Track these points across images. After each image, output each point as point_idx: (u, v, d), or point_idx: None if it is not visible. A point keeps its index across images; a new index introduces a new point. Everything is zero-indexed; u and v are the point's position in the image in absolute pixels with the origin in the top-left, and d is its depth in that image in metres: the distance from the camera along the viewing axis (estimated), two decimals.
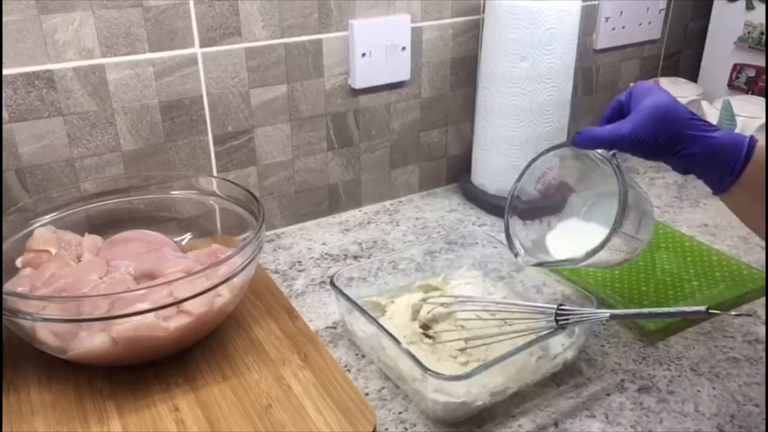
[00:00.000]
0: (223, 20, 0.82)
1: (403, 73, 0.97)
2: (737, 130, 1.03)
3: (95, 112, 0.79)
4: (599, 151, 0.64)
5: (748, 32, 1.15)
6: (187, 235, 0.83)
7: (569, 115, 1.00)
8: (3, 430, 0.59)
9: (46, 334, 0.61)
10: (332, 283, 0.71)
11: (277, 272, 0.87)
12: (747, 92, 1.16)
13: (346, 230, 0.97)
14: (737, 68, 1.18)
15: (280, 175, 0.94)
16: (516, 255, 0.69)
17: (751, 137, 0.60)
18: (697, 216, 1.00)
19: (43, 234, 0.72)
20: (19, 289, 0.66)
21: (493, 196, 1.02)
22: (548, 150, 0.68)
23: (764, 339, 0.74)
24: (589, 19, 1.11)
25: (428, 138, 1.05)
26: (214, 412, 0.61)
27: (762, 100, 1.08)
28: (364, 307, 0.68)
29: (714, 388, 0.67)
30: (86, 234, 0.76)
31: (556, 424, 0.62)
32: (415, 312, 0.72)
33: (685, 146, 0.60)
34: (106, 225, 0.78)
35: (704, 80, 1.24)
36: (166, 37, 0.80)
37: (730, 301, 0.79)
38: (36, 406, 0.62)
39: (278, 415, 0.61)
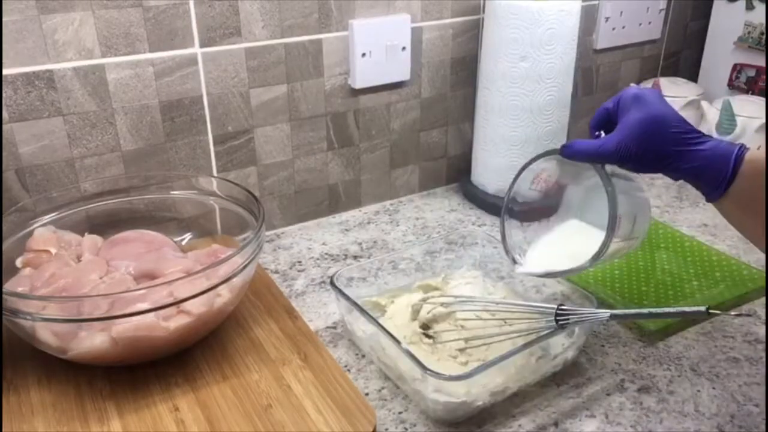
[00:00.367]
0: (223, 20, 0.82)
1: (403, 73, 0.97)
2: (737, 130, 1.03)
3: (95, 112, 0.79)
4: None
5: (748, 32, 1.15)
6: (187, 235, 0.83)
7: (569, 115, 1.00)
8: (3, 430, 0.59)
9: (46, 334, 0.61)
10: (332, 283, 0.71)
11: (277, 272, 0.87)
12: (747, 92, 1.16)
13: (346, 230, 0.97)
14: (737, 68, 1.18)
15: (280, 175, 0.94)
16: (514, 262, 0.70)
17: (740, 148, 0.59)
18: (697, 216, 1.00)
19: (43, 234, 0.72)
20: (19, 289, 0.66)
21: (493, 196, 1.02)
22: (539, 156, 0.69)
23: (764, 339, 0.74)
24: (589, 19, 1.11)
25: (428, 138, 1.05)
26: (214, 412, 0.61)
27: (762, 100, 1.07)
28: (364, 307, 0.68)
29: (714, 388, 0.67)
30: (86, 234, 0.76)
31: (556, 424, 0.62)
32: (415, 312, 0.72)
33: (671, 161, 0.60)
34: (106, 225, 0.78)
35: (704, 80, 1.24)
36: (166, 37, 0.80)
37: (730, 301, 0.79)
38: (36, 406, 0.62)
39: (278, 415, 0.61)
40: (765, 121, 1.02)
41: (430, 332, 0.70)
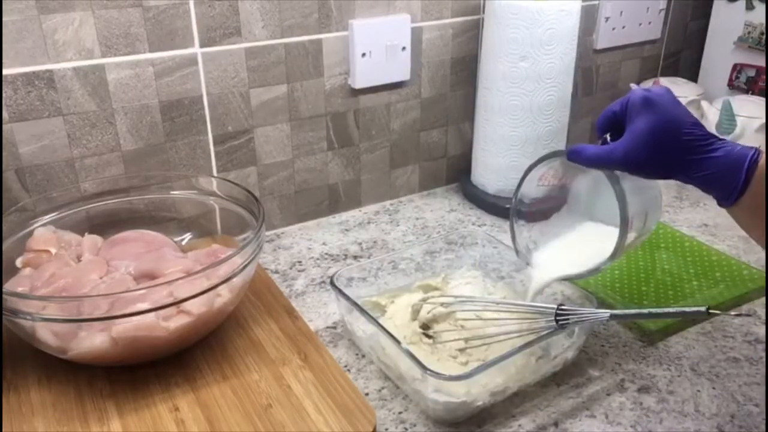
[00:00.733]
0: (223, 20, 0.82)
1: (403, 73, 0.97)
2: (737, 130, 1.03)
3: (95, 112, 0.79)
4: None
5: (748, 32, 1.15)
6: (187, 235, 0.83)
7: (569, 115, 1.00)
8: (3, 430, 0.59)
9: (46, 334, 0.61)
10: (332, 283, 0.71)
11: (277, 272, 0.87)
12: (747, 92, 1.16)
13: (346, 230, 0.97)
14: (737, 68, 1.18)
15: (280, 175, 0.94)
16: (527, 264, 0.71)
17: (755, 153, 0.56)
18: (697, 216, 1.00)
19: (43, 234, 0.72)
20: (19, 289, 0.66)
21: (493, 196, 1.02)
22: (544, 158, 0.68)
23: (764, 339, 0.74)
24: (589, 19, 1.11)
25: (428, 138, 1.05)
26: (214, 412, 0.61)
27: (762, 100, 1.07)
28: (364, 307, 0.68)
29: (714, 388, 0.67)
30: (86, 234, 0.76)
31: (556, 424, 0.62)
32: (415, 312, 0.72)
33: (682, 170, 0.58)
34: (106, 225, 0.78)
35: (704, 80, 1.24)
36: (166, 37, 0.80)
37: (730, 301, 0.79)
38: (36, 406, 0.62)
39: (278, 415, 0.61)
40: (765, 121, 1.02)
41: (430, 332, 0.70)
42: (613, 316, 0.63)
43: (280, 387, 0.64)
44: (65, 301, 0.61)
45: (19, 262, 0.71)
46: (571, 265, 0.69)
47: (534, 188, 0.71)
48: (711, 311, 0.57)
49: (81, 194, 0.78)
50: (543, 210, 0.73)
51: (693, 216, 1.00)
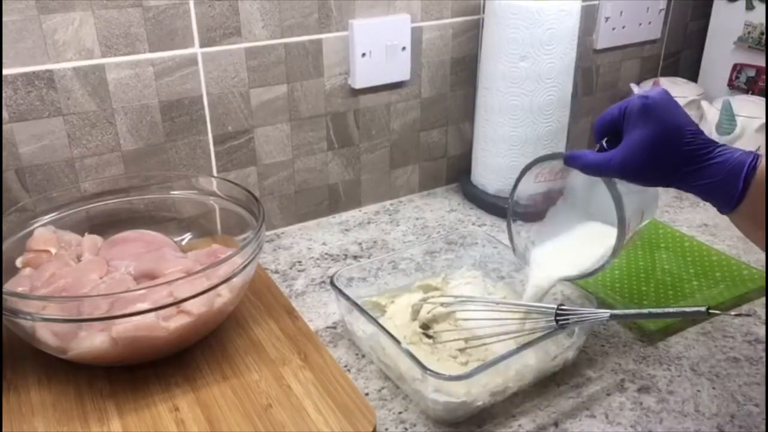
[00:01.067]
0: (223, 20, 0.82)
1: (403, 73, 0.97)
2: (737, 130, 1.03)
3: (95, 112, 0.79)
4: None
5: (748, 32, 1.15)
6: (187, 235, 0.83)
7: (569, 115, 1.00)
8: (3, 430, 0.59)
9: (46, 334, 0.61)
10: (332, 283, 0.71)
11: (277, 272, 0.87)
12: (747, 92, 1.16)
13: (346, 230, 0.97)
14: (737, 68, 1.18)
15: (280, 175, 0.94)
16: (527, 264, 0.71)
17: (753, 159, 0.55)
18: (697, 216, 1.00)
19: (43, 234, 0.72)
20: (19, 289, 0.66)
21: (493, 196, 1.02)
22: (541, 159, 0.68)
23: (764, 339, 0.74)
24: (589, 19, 1.11)
25: (428, 138, 1.05)
26: (214, 412, 0.61)
27: (762, 100, 1.07)
28: (364, 307, 0.68)
29: (714, 388, 0.67)
30: (86, 234, 0.76)
31: (556, 424, 0.62)
32: (415, 312, 0.72)
33: (679, 179, 0.58)
34: (106, 225, 0.78)
35: (704, 80, 1.24)
36: (166, 37, 0.80)
37: (730, 301, 0.79)
38: (36, 406, 0.62)
39: (278, 415, 0.61)
40: (765, 121, 1.02)
41: (430, 332, 0.70)
42: (613, 316, 0.63)
43: (280, 387, 0.64)
44: (65, 301, 0.61)
45: (19, 262, 0.71)
46: (569, 267, 0.69)
47: (530, 188, 0.71)
48: (711, 311, 0.57)
49: (81, 194, 0.78)
50: (540, 209, 0.73)
51: (693, 216, 1.00)
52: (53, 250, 0.71)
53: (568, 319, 0.63)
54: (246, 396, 0.63)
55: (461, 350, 0.67)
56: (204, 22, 0.81)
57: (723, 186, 0.56)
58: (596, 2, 1.11)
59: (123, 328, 0.60)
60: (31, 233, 0.73)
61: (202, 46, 0.82)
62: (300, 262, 0.89)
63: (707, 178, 0.56)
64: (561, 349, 0.67)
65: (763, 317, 0.77)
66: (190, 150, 0.87)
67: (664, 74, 1.27)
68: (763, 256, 0.89)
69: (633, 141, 0.58)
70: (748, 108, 1.05)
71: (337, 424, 0.59)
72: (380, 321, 0.67)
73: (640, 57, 1.23)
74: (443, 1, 0.97)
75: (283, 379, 0.65)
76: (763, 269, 0.84)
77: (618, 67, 1.21)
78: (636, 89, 1.15)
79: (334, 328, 0.76)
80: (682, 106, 0.59)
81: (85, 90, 0.78)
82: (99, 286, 0.66)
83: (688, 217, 1.00)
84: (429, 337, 0.69)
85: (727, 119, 1.04)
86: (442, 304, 0.71)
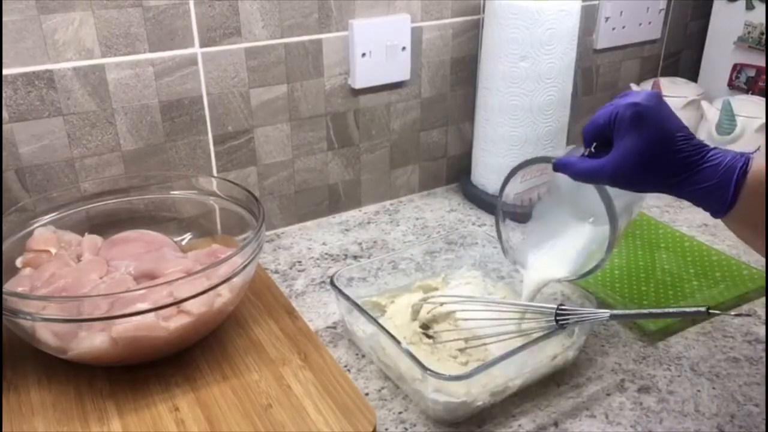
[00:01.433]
0: (223, 20, 0.82)
1: (403, 73, 0.97)
2: (737, 130, 1.03)
3: (95, 112, 0.79)
4: None
5: (748, 32, 1.15)
6: (187, 235, 0.83)
7: (569, 115, 1.00)
8: (3, 430, 0.59)
9: (46, 334, 0.61)
10: (332, 283, 0.71)
11: (277, 272, 0.87)
12: (747, 92, 1.16)
13: (346, 230, 0.97)
14: (737, 68, 1.18)
15: (280, 175, 0.94)
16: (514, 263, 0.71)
17: (744, 164, 0.55)
18: (697, 216, 1.00)
19: (43, 234, 0.72)
20: (19, 289, 0.66)
21: (493, 196, 1.02)
22: (530, 162, 0.68)
23: (764, 339, 0.74)
24: (589, 19, 1.11)
25: (428, 138, 1.05)
26: (214, 412, 0.61)
27: (762, 100, 1.07)
28: (364, 307, 0.68)
29: (714, 388, 0.67)
30: (86, 234, 0.76)
31: (556, 424, 0.62)
32: (415, 312, 0.72)
33: (671, 186, 0.57)
34: (106, 225, 0.78)
35: (704, 80, 1.24)
36: (166, 37, 0.80)
37: (730, 301, 0.79)
38: (36, 406, 0.62)
39: (278, 415, 0.61)
40: (765, 121, 1.02)
41: (430, 332, 0.70)
42: (613, 316, 0.63)
43: (280, 387, 0.64)
44: (65, 301, 0.61)
45: (19, 262, 0.71)
46: (561, 267, 0.69)
47: (517, 187, 0.71)
48: (711, 311, 0.57)
49: (81, 194, 0.78)
50: (527, 209, 0.73)
51: (693, 216, 1.00)
52: (53, 250, 0.71)
53: (568, 319, 0.63)
54: (246, 396, 0.63)
55: (461, 350, 0.67)
56: (204, 22, 0.81)
57: (716, 191, 0.55)
58: (596, 2, 1.11)
59: (123, 328, 0.60)
60: (31, 233, 0.73)
61: (202, 46, 0.82)
62: (300, 262, 0.89)
63: (700, 183, 0.56)
64: (561, 349, 0.67)
65: (763, 317, 0.77)
66: (190, 150, 0.87)
67: (664, 74, 1.27)
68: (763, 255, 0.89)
69: (625, 149, 0.57)
70: (748, 108, 1.05)
71: (337, 424, 0.59)
72: (380, 321, 0.67)
73: (640, 57, 1.23)
74: (443, 1, 0.97)
75: (283, 379, 0.65)
76: (763, 269, 0.84)
77: (618, 67, 1.21)
78: (636, 89, 1.15)
79: (334, 328, 0.76)
80: (671, 107, 0.58)
81: (85, 90, 0.78)
82: (99, 286, 0.66)
83: (688, 217, 1.00)
84: (429, 337, 0.69)
85: (727, 119, 1.04)
86: (442, 304, 0.71)
